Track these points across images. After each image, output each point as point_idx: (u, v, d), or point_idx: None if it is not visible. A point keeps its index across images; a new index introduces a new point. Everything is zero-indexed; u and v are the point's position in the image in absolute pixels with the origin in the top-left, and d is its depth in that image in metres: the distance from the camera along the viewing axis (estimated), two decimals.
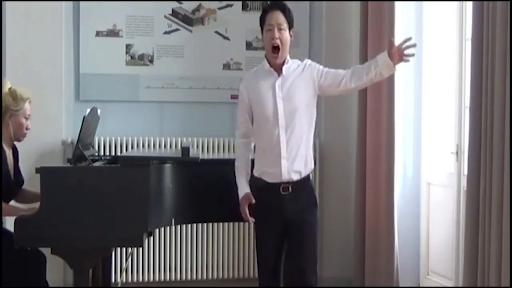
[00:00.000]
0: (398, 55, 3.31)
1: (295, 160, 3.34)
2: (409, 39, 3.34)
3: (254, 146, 3.49)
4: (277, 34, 3.33)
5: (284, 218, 3.36)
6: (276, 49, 3.33)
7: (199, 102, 5.19)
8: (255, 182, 3.40)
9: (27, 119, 3.74)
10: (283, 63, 3.38)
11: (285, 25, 3.36)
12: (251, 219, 3.37)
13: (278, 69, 3.39)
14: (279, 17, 3.35)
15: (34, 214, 3.35)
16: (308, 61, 3.46)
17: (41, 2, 4.79)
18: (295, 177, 3.34)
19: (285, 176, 3.33)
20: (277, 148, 3.33)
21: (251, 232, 4.90)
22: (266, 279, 3.46)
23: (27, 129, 3.76)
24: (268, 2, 4.34)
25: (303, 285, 3.38)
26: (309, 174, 3.41)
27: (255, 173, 3.42)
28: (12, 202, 3.79)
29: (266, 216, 3.37)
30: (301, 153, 3.35)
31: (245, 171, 3.43)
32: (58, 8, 4.87)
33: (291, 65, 3.41)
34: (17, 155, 3.84)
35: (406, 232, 4.70)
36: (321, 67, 3.43)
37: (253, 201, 3.36)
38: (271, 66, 3.40)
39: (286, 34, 3.36)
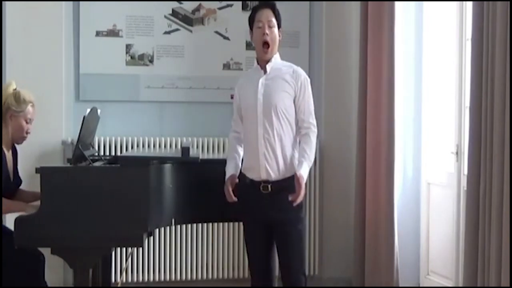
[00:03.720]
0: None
1: (273, 159, 3.39)
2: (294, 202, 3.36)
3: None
4: (267, 30, 3.42)
5: (267, 218, 3.41)
6: (266, 44, 3.41)
7: (199, 102, 5.19)
8: (241, 178, 3.48)
9: (28, 122, 3.70)
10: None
11: (274, 22, 3.44)
12: (234, 198, 3.44)
13: (265, 67, 3.46)
14: (269, 14, 3.44)
15: (34, 214, 3.34)
16: (303, 74, 3.46)
17: (41, 2, 4.78)
18: (274, 176, 3.39)
19: (263, 173, 3.39)
20: (256, 143, 3.40)
21: None
22: (257, 279, 3.49)
23: (27, 133, 3.72)
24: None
25: (291, 285, 3.41)
26: (293, 176, 3.41)
27: (242, 169, 3.52)
28: None
29: (250, 215, 3.46)
30: (279, 152, 3.39)
31: (234, 160, 3.54)
32: (58, 8, 4.87)
33: (279, 66, 3.46)
34: (17, 157, 3.83)
35: (406, 232, 4.70)
36: (305, 89, 3.43)
37: (237, 181, 3.47)
38: (259, 64, 3.48)
39: (276, 31, 3.45)
